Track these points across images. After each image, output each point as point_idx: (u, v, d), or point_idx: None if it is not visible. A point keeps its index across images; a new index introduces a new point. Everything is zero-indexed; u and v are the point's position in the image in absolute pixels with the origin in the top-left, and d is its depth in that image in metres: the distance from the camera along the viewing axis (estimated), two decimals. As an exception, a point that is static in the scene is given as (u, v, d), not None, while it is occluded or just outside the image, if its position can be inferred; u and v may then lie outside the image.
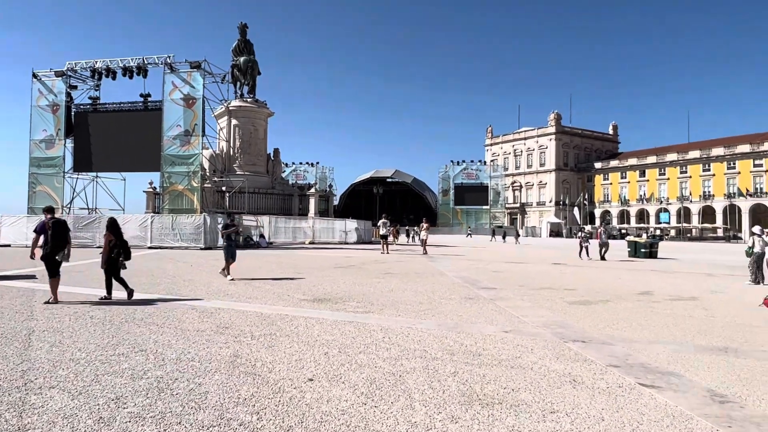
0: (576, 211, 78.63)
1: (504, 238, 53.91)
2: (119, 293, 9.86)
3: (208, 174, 38.08)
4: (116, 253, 9.69)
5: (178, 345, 6.33)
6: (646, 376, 5.26)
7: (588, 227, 75.59)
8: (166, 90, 33.85)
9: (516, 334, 7.30)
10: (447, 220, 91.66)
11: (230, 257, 14.08)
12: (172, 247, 27.67)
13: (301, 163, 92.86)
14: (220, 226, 15.48)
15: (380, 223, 29.06)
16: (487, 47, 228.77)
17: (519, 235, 57.37)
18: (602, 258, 23.85)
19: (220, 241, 14.80)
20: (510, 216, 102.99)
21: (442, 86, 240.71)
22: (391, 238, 31.54)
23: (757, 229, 15.58)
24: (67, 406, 4.22)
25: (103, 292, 9.81)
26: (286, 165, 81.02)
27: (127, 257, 9.92)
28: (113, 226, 9.91)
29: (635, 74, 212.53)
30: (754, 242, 14.84)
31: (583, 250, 24.60)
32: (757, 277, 14.50)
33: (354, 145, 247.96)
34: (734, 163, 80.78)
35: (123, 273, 9.92)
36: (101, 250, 10.11)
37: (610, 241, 25.95)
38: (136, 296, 9.85)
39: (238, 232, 14.64)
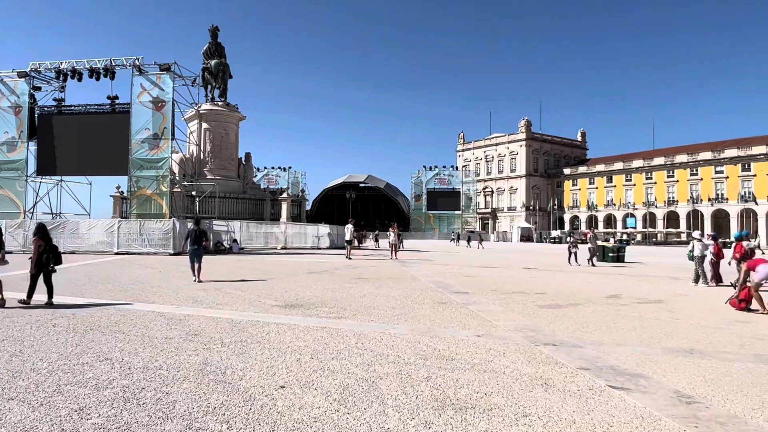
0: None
1: (468, 242, 54.48)
2: (40, 296, 9.62)
3: (177, 178, 37.35)
4: (46, 258, 9.62)
5: (145, 353, 6.16)
6: (616, 378, 5.35)
7: (556, 233, 76.90)
8: (134, 92, 33.12)
9: (488, 338, 7.34)
10: (420, 225, 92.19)
11: (197, 261, 13.89)
12: (140, 253, 27.04)
13: (273, 168, 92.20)
14: (189, 227, 15.18)
15: (345, 228, 28.96)
16: (459, 53, 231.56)
17: (482, 240, 57.95)
18: (591, 263, 23.97)
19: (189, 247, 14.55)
20: (482, 221, 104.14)
21: (414, 92, 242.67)
22: (355, 243, 32.45)
23: (696, 234, 16.77)
24: (27, 418, 4.06)
25: (44, 297, 9.57)
26: (258, 169, 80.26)
27: (57, 262, 9.91)
28: (42, 231, 9.88)
29: (603, 82, 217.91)
30: (693, 246, 15.59)
31: (572, 256, 24.58)
32: (705, 278, 15.13)
33: (327, 150, 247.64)
34: (697, 170, 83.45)
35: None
36: (30, 256, 9.94)
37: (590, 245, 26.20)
38: (101, 302, 9.59)
39: (192, 237, 14.42)
